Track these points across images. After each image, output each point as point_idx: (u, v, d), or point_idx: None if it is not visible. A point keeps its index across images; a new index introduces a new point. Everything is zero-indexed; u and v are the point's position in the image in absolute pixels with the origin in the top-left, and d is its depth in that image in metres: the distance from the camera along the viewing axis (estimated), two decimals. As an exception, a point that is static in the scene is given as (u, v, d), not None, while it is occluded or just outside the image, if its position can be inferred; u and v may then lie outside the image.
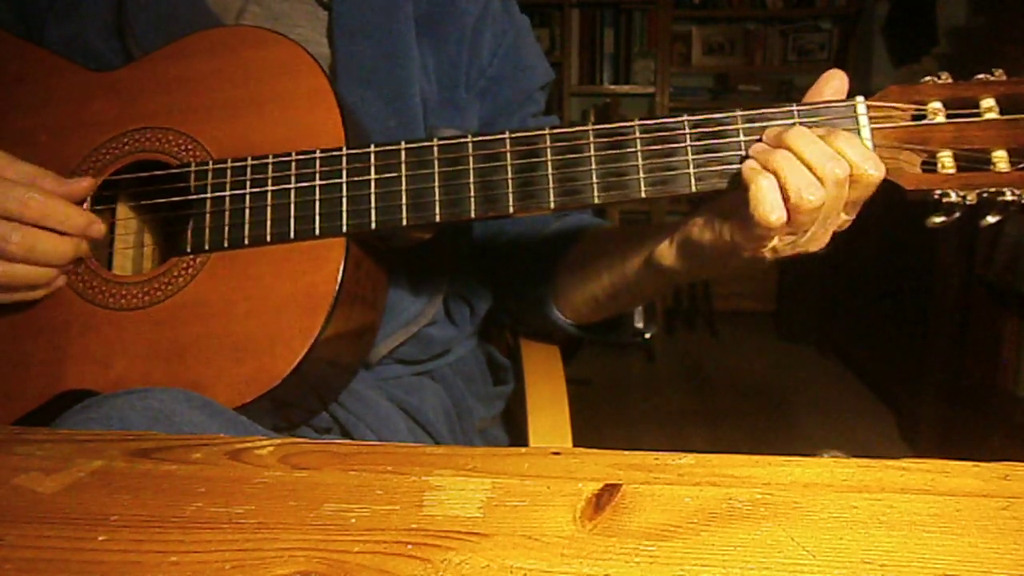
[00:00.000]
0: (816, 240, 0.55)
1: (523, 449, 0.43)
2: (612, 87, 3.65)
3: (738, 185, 0.54)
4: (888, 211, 2.77)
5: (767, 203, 0.51)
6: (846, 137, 0.52)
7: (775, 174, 0.52)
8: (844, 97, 0.56)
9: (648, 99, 3.68)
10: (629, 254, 0.68)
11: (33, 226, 0.59)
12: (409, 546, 0.33)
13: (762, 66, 3.70)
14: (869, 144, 0.54)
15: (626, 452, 0.41)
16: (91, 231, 0.63)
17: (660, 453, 0.41)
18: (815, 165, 0.51)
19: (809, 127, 0.54)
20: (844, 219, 0.55)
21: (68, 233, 0.61)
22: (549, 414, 0.81)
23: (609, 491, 0.37)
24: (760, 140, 0.55)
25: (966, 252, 2.15)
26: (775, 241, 0.54)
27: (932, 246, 2.28)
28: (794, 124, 0.54)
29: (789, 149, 0.52)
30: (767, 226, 0.52)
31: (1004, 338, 2.05)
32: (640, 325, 0.81)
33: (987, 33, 2.40)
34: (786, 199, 0.51)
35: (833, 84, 0.56)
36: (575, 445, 0.72)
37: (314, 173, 0.62)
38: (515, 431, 0.91)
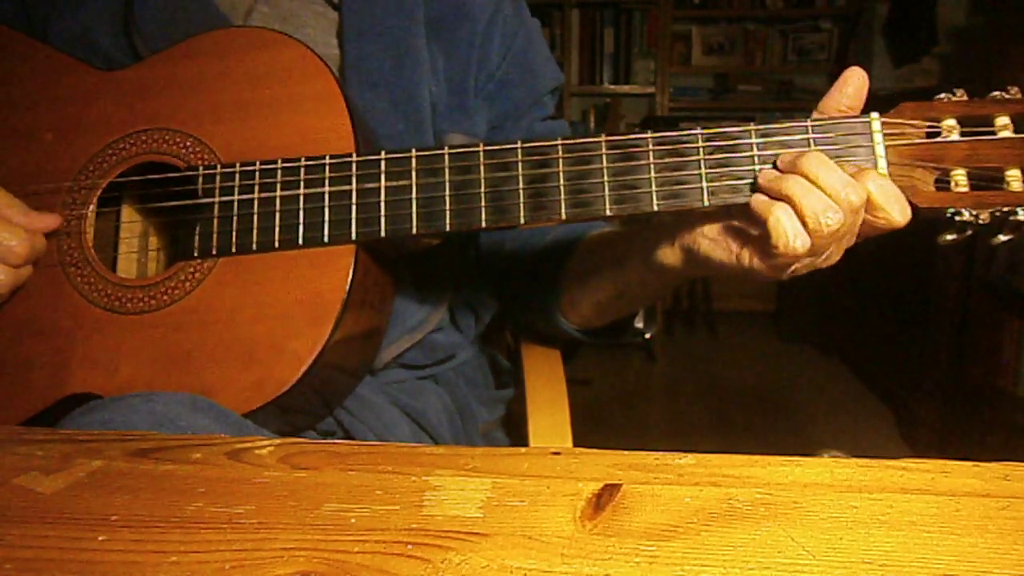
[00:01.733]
0: (831, 259, 0.55)
1: (523, 449, 0.43)
2: (612, 87, 3.65)
3: (750, 212, 0.54)
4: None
5: (789, 233, 0.51)
6: (875, 178, 0.52)
7: (789, 200, 0.51)
8: (864, 97, 0.55)
9: (648, 99, 3.68)
10: (631, 256, 0.68)
11: None
12: (409, 546, 0.33)
13: (762, 66, 3.70)
14: (883, 162, 0.54)
15: (626, 452, 0.41)
16: (34, 257, 0.63)
17: (660, 453, 0.41)
18: (831, 191, 0.51)
19: (826, 146, 0.54)
20: (852, 240, 0.55)
21: (13, 264, 0.62)
22: (549, 415, 0.81)
23: (609, 491, 0.37)
24: (774, 158, 0.55)
25: (966, 252, 2.15)
26: (796, 265, 0.54)
27: (932, 246, 2.28)
28: (810, 150, 0.54)
29: (805, 175, 0.52)
30: (792, 255, 0.52)
31: (1004, 338, 2.05)
32: (640, 325, 0.81)
33: (987, 33, 2.40)
34: (804, 224, 0.51)
35: (852, 86, 0.55)
36: (575, 445, 0.72)
37: (324, 179, 0.62)
38: (516, 434, 0.91)
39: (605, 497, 0.37)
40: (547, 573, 0.31)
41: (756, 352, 3.36)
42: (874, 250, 3.00)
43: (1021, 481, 0.37)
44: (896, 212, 0.52)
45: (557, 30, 3.61)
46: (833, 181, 0.51)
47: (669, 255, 0.62)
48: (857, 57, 3.46)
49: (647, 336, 0.81)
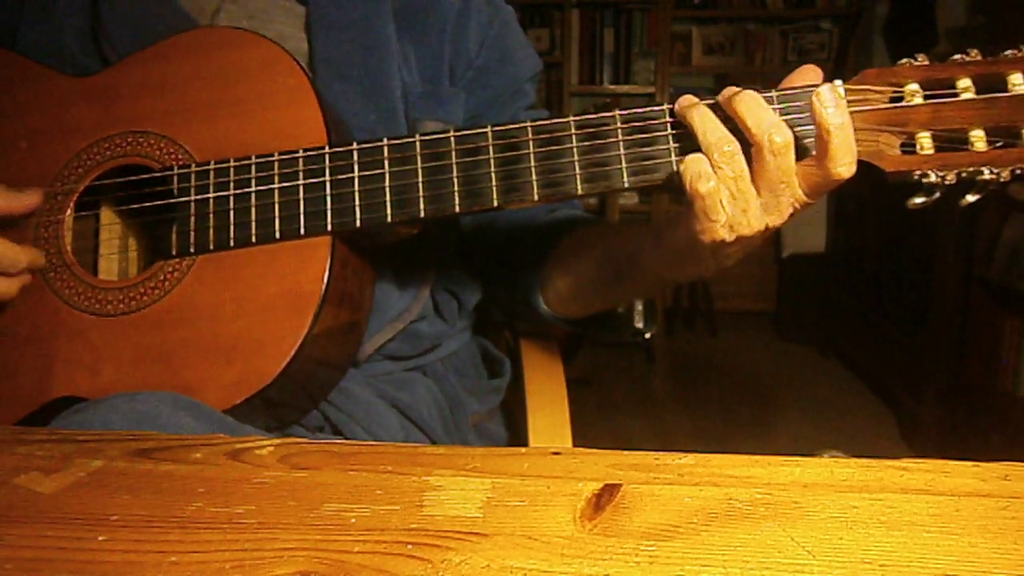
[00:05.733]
0: (772, 211, 0.55)
1: (523, 449, 0.43)
2: (612, 87, 3.65)
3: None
4: (887, 210, 2.77)
5: (694, 171, 0.53)
6: (747, 102, 0.53)
7: (690, 126, 0.54)
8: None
9: (648, 99, 3.68)
10: (615, 249, 0.68)
11: None
12: (409, 546, 0.33)
13: (762, 66, 3.69)
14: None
15: (626, 452, 0.41)
16: (34, 266, 0.65)
17: (660, 453, 0.41)
18: (755, 130, 0.52)
19: (792, 115, 0.54)
20: (799, 195, 0.54)
21: (12, 273, 0.63)
22: (549, 414, 0.81)
23: (609, 491, 0.37)
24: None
25: (966, 252, 2.15)
26: (722, 216, 0.54)
27: (932, 246, 2.28)
28: (744, 90, 0.55)
29: (734, 113, 0.53)
30: (699, 194, 0.53)
31: (1004, 338, 2.05)
32: (640, 325, 0.81)
33: (987, 33, 2.39)
34: (709, 159, 0.53)
35: (807, 77, 0.56)
36: (575, 445, 0.72)
37: (297, 172, 0.62)
38: (513, 426, 0.91)
39: (605, 497, 0.37)
40: (547, 573, 0.31)
41: (756, 352, 3.36)
42: (874, 250, 2.98)
43: (1021, 481, 0.37)
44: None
45: (557, 30, 3.60)
46: (754, 119, 0.52)
47: (646, 248, 0.63)
48: (857, 57, 3.46)
49: (647, 336, 0.81)
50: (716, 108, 0.55)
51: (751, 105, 0.53)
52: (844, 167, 0.52)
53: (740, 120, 0.53)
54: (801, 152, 0.54)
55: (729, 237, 0.55)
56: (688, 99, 0.56)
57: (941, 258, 2.24)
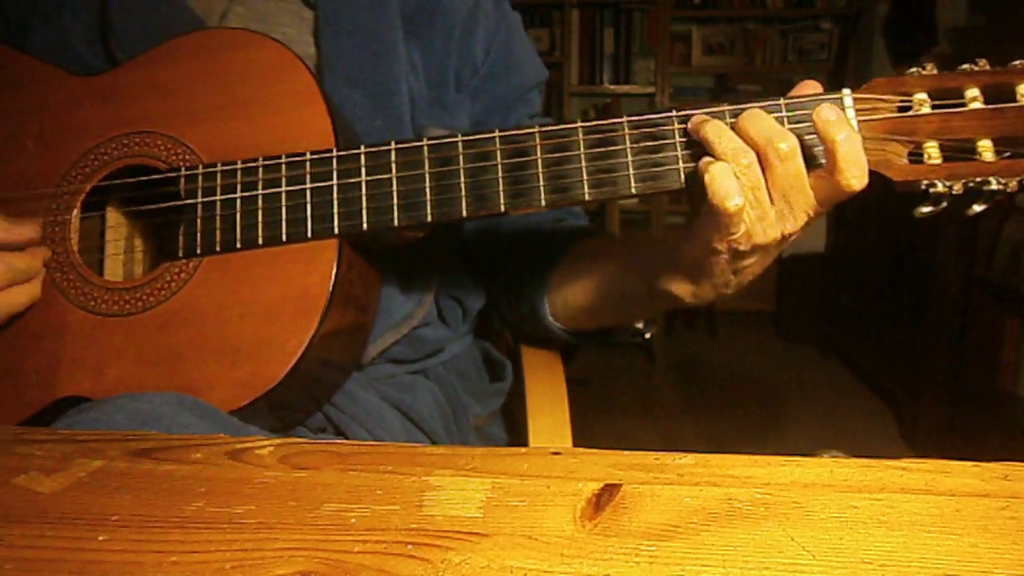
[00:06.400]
0: (786, 221, 0.55)
1: (523, 449, 0.43)
2: (612, 87, 3.65)
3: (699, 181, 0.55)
4: (888, 211, 2.77)
5: (722, 188, 0.52)
6: (748, 116, 0.54)
7: (705, 141, 0.54)
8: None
9: (648, 99, 3.68)
10: (627, 273, 0.68)
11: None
12: (409, 546, 0.33)
13: (762, 66, 3.70)
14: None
15: (626, 452, 0.41)
16: (48, 262, 0.65)
17: (660, 453, 0.41)
18: (757, 138, 0.53)
19: (799, 124, 0.55)
20: (813, 203, 0.55)
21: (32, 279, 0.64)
22: (549, 414, 0.80)
23: (609, 491, 0.37)
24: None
25: (966, 253, 2.15)
26: (741, 227, 0.54)
27: (932, 247, 2.28)
28: (749, 106, 0.55)
29: (737, 130, 0.54)
30: (726, 212, 0.52)
31: (1004, 338, 2.05)
32: (640, 325, 0.81)
33: (987, 33, 2.40)
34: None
35: (808, 91, 0.57)
36: (575, 445, 0.72)
37: (304, 175, 0.62)
38: (514, 429, 0.91)
39: (605, 497, 0.37)
40: (547, 573, 0.31)
41: (756, 352, 3.36)
42: (874, 250, 2.98)
43: (1021, 481, 0.37)
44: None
45: (557, 30, 3.60)
46: (757, 129, 0.53)
47: (661, 273, 0.64)
48: (857, 57, 3.46)
49: (647, 336, 0.81)
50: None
51: (751, 117, 0.54)
52: (855, 179, 0.52)
53: (744, 133, 0.53)
54: (811, 159, 0.54)
55: (746, 246, 0.55)
56: (700, 116, 0.56)
57: (941, 258, 2.24)
